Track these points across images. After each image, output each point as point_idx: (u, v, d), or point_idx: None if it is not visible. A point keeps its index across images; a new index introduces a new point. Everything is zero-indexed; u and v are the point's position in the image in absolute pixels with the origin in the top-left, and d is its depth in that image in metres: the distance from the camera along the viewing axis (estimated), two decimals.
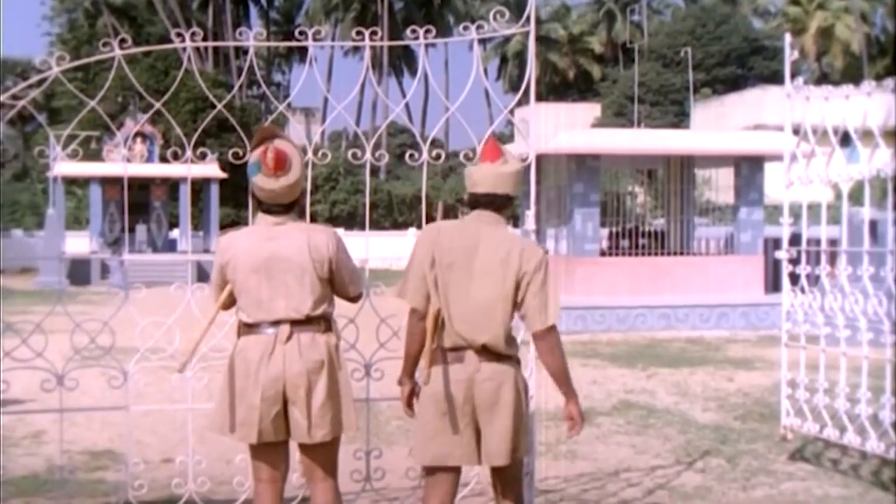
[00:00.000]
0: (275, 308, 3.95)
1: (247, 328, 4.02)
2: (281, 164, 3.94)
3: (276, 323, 3.96)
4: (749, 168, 17.97)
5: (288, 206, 4.05)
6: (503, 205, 4.00)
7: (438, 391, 3.88)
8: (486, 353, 3.88)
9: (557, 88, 61.91)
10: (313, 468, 4.06)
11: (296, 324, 3.95)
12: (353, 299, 4.27)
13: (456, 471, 3.99)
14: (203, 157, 5.71)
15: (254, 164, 3.98)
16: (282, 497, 4.14)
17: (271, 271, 3.96)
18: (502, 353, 3.91)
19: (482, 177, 3.98)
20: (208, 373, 5.34)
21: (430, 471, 3.99)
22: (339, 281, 4.09)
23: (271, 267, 3.96)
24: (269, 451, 4.03)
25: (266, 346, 3.94)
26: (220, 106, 5.41)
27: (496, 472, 4.06)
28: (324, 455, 4.05)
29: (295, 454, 4.14)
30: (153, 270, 24.63)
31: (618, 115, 48.85)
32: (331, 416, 3.96)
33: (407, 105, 41.91)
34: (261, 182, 3.97)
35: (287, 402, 3.93)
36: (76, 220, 37.59)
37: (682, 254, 18.35)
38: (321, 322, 4.02)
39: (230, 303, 4.11)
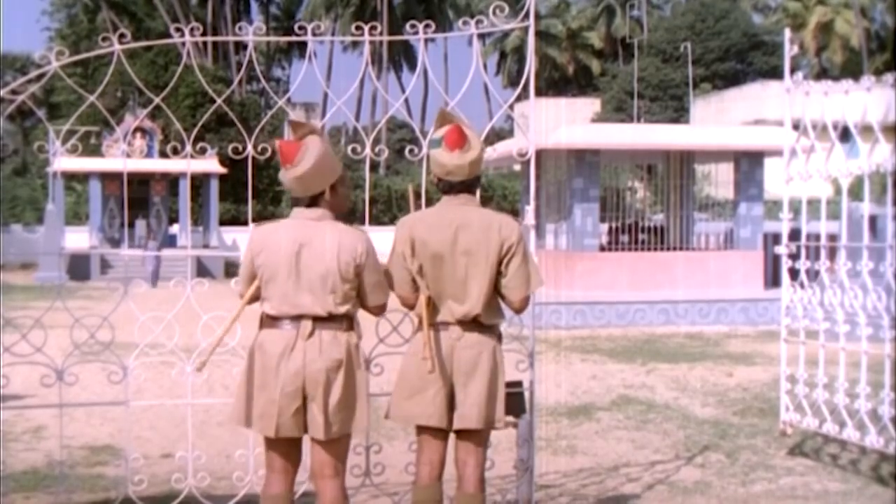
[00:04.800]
0: (299, 303, 3.97)
1: (269, 320, 4.04)
2: (289, 157, 3.95)
3: (299, 318, 3.97)
4: (748, 163, 17.97)
5: (317, 200, 4.05)
6: (472, 184, 4.31)
7: (420, 354, 4.12)
8: (470, 324, 4.17)
9: (557, 83, 61.87)
10: (322, 465, 4.06)
11: (318, 320, 3.97)
12: (373, 310, 4.23)
13: (443, 433, 4.23)
14: (203, 152, 5.70)
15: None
16: (292, 488, 4.17)
17: (300, 266, 3.97)
18: (484, 324, 4.20)
19: (457, 168, 4.21)
20: (209, 368, 5.33)
21: (419, 432, 4.26)
22: (361, 288, 4.08)
23: (300, 262, 3.97)
24: (285, 445, 4.06)
25: (287, 341, 3.96)
26: (219, 101, 5.40)
27: (462, 440, 4.24)
28: (335, 452, 4.05)
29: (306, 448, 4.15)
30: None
31: (617, 111, 48.81)
32: (345, 414, 3.98)
33: (406, 100, 41.97)
34: (284, 174, 4.02)
35: (306, 398, 3.95)
36: (76, 216, 37.60)
37: (681, 249, 18.37)
38: (344, 320, 4.02)
39: (256, 296, 4.12)
